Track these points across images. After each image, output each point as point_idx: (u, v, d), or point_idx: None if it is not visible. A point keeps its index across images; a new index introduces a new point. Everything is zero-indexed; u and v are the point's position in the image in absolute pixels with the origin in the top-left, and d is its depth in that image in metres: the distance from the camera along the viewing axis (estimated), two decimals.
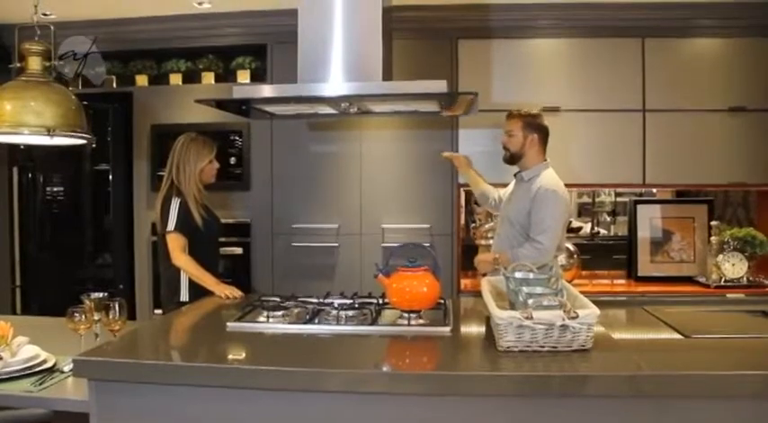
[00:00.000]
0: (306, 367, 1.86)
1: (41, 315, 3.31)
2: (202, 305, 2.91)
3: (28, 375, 2.06)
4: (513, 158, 3.31)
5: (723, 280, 3.96)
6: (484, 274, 3.29)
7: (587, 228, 5.06)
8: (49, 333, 2.43)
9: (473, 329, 2.42)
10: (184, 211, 3.17)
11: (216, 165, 3.36)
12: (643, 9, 3.97)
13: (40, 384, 2.00)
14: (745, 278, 3.95)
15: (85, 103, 2.75)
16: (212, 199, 3.44)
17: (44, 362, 2.15)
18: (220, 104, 3.13)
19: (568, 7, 4.00)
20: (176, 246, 3.15)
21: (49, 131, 2.42)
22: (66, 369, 2.10)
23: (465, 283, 4.19)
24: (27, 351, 2.16)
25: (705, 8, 3.97)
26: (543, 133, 3.29)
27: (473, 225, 4.58)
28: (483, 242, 4.17)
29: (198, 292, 3.12)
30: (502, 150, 3.36)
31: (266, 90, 2.88)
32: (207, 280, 3.10)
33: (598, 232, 5.01)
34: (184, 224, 3.16)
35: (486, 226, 4.23)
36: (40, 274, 4.52)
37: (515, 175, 3.38)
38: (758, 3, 3.88)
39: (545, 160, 3.30)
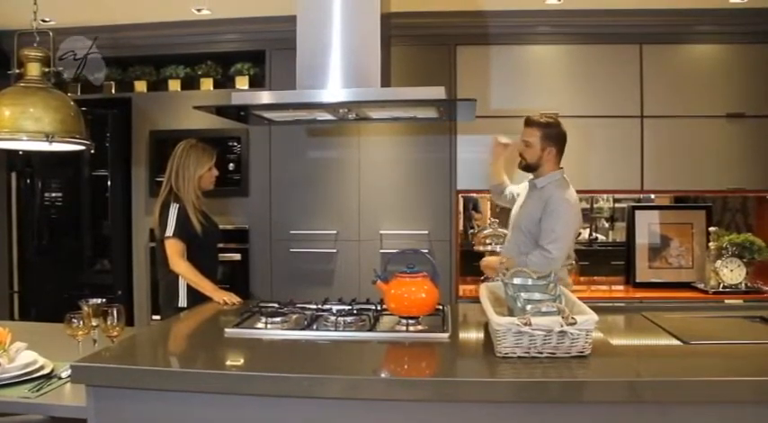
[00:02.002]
0: (304, 373, 1.85)
1: (39, 321, 3.31)
2: (201, 311, 2.91)
3: (26, 381, 2.06)
4: (528, 168, 3.24)
5: (721, 286, 3.97)
6: (484, 279, 3.29)
7: (585, 234, 5.06)
8: (47, 339, 2.43)
9: (471, 336, 2.42)
10: (183, 216, 3.17)
11: (215, 172, 3.36)
12: (641, 15, 3.98)
13: (38, 390, 2.00)
14: (743, 284, 3.96)
15: (84, 108, 2.76)
16: (210, 205, 3.44)
17: (42, 368, 2.14)
18: (219, 111, 3.13)
19: (566, 14, 4.01)
20: (175, 251, 3.15)
21: (48, 137, 2.42)
22: (63, 375, 2.10)
23: (463, 289, 4.19)
24: (25, 357, 2.16)
25: (703, 15, 3.98)
26: (561, 144, 3.19)
27: (471, 231, 4.58)
28: (482, 248, 4.16)
29: (196, 297, 3.12)
30: (517, 158, 3.30)
31: (265, 96, 2.88)
32: (205, 286, 3.10)
33: (596, 238, 5.01)
34: (183, 230, 3.16)
35: (485, 232, 4.22)
36: (39, 280, 4.51)
37: (529, 182, 3.32)
38: (756, 9, 3.90)
39: (560, 168, 3.23)
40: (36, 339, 2.31)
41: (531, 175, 3.30)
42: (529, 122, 3.21)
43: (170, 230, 3.15)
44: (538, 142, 3.16)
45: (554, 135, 3.17)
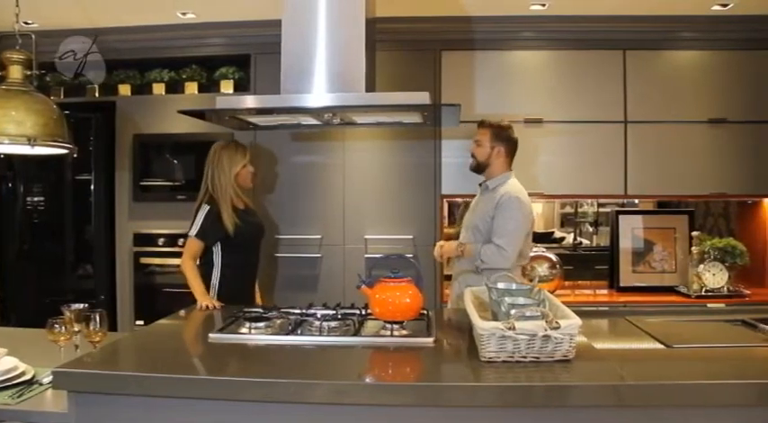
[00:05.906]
0: (288, 378, 1.85)
1: (20, 326, 3.27)
2: (184, 316, 2.90)
3: (6, 388, 2.03)
4: (478, 167, 3.38)
5: (704, 290, 4.00)
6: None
7: (570, 238, 5.09)
8: (29, 344, 2.41)
9: (456, 340, 2.42)
10: (213, 218, 3.20)
11: (250, 168, 3.39)
12: (624, 22, 4.02)
13: (19, 397, 1.98)
14: (725, 288, 3.99)
15: (67, 112, 2.74)
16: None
17: (23, 374, 2.12)
18: (204, 115, 3.12)
19: (550, 19, 4.04)
20: (189, 250, 3.21)
21: (30, 141, 2.40)
22: (45, 381, 2.08)
23: (448, 293, 4.19)
24: (5, 363, 2.13)
25: (686, 21, 4.03)
26: (511, 146, 3.34)
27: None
28: None
29: (227, 293, 3.18)
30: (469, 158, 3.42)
31: (249, 100, 2.87)
32: (197, 288, 3.13)
33: (580, 243, 5.04)
34: (209, 232, 3.21)
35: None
36: (20, 285, 4.47)
37: (480, 185, 3.43)
38: (737, 16, 3.94)
39: (510, 170, 3.36)
40: (17, 345, 2.29)
41: (481, 183, 3.42)
42: (481, 124, 3.38)
43: (193, 230, 3.21)
44: (488, 141, 3.32)
45: (503, 136, 3.32)
